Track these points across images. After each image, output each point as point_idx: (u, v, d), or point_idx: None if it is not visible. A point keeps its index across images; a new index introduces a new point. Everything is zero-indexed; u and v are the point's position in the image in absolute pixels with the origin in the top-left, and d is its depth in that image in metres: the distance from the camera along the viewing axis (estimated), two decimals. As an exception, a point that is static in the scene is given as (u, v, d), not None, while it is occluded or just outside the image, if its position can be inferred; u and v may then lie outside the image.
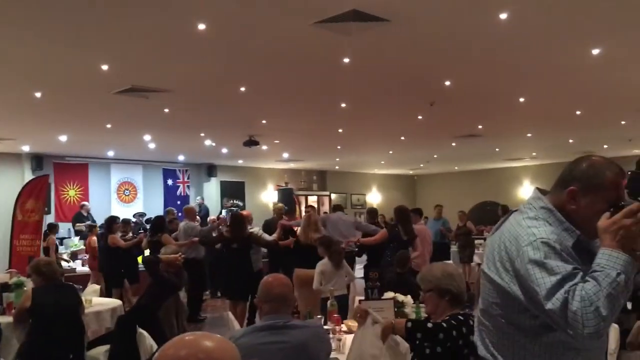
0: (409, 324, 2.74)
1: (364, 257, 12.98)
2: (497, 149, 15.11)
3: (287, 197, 16.19)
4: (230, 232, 7.94)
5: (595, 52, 6.31)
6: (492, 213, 17.47)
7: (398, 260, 6.21)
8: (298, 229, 8.23)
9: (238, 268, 7.64)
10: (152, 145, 12.69)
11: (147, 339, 4.07)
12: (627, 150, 15.39)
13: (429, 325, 2.76)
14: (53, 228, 10.83)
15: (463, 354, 2.68)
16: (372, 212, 10.64)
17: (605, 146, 14.57)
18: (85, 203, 13.64)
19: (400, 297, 4.04)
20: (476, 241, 12.92)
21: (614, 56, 6.58)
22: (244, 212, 9.25)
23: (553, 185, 1.93)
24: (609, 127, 11.56)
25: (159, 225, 9.18)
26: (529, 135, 12.74)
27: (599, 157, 1.88)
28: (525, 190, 19.07)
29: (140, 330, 4.11)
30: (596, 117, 10.47)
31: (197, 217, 13.08)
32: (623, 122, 11.02)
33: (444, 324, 2.73)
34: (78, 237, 12.31)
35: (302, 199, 18.04)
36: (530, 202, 1.94)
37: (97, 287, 7.12)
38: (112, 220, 9.74)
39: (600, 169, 1.82)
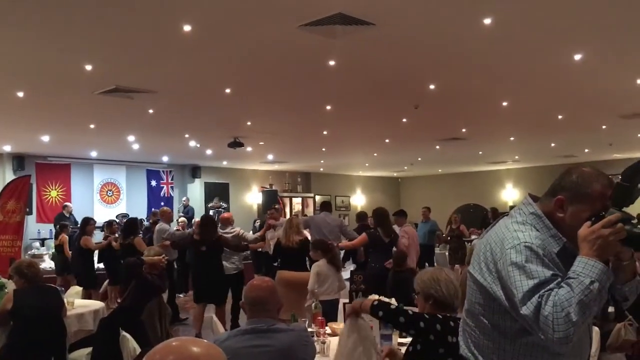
0: (375, 302, 2.89)
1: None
2: (480, 152, 15.24)
3: (272, 199, 16.18)
4: (199, 235, 7.83)
5: (577, 57, 6.40)
6: (475, 215, 17.65)
7: (395, 258, 6.26)
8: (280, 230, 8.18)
9: (207, 271, 7.54)
10: (136, 146, 12.61)
11: (130, 342, 4.04)
12: (608, 155, 15.59)
13: (392, 307, 2.85)
14: (65, 227, 10.58)
15: (438, 352, 2.70)
16: (362, 215, 10.54)
17: (586, 150, 14.75)
18: (68, 204, 13.51)
19: (384, 299, 4.05)
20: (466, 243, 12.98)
21: (596, 62, 6.67)
22: (225, 214, 9.16)
23: (544, 193, 1.97)
24: (590, 131, 11.72)
25: (131, 228, 9.06)
26: (511, 138, 12.87)
27: (589, 169, 1.92)
28: (508, 192, 19.25)
29: (124, 333, 4.08)
30: (578, 122, 10.61)
31: (184, 218, 13.06)
32: (604, 127, 11.17)
33: (410, 312, 2.80)
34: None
35: (287, 201, 18.03)
36: (521, 207, 1.98)
37: (79, 289, 7.09)
38: (86, 222, 9.70)
39: (588, 180, 1.86)
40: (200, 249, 7.64)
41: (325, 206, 9.29)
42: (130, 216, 14.25)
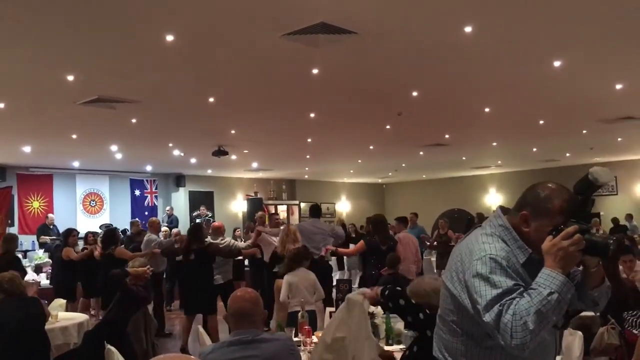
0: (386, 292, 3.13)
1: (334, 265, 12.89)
2: (463, 158, 15.35)
3: (257, 207, 16.13)
4: (187, 243, 7.68)
5: (557, 64, 6.49)
6: (460, 220, 17.75)
7: (389, 260, 6.27)
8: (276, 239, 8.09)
9: (196, 280, 7.38)
10: (119, 156, 12.53)
11: (115, 355, 4.00)
12: (589, 158, 15.80)
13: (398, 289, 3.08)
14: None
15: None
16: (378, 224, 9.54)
17: (567, 154, 14.93)
18: (51, 215, 13.37)
19: (371, 308, 4.07)
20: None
21: (575, 68, 6.77)
22: (216, 223, 9.07)
23: (513, 206, 2.06)
24: (570, 136, 11.87)
25: (111, 238, 8.81)
26: (494, 144, 12.99)
27: (553, 184, 2.01)
28: (492, 197, 19.40)
29: (109, 346, 4.05)
30: (558, 127, 10.73)
31: (166, 228, 12.96)
32: (584, 132, 11.32)
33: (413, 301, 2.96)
34: (42, 250, 12.04)
35: (272, 208, 17.99)
36: (491, 220, 2.07)
37: (63, 301, 7.00)
38: (68, 233, 9.58)
39: (550, 196, 1.95)
40: (189, 258, 7.49)
41: (315, 211, 8.82)
42: (113, 226, 14.18)
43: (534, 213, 1.95)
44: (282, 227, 8.37)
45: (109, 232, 9.32)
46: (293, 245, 6.98)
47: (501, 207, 2.11)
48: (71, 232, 9.63)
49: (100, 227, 13.59)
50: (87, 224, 14.11)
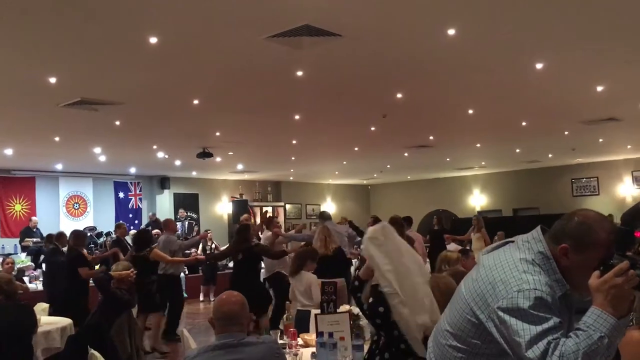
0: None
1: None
2: (448, 159, 15.44)
3: (242, 209, 16.09)
4: (235, 244, 7.56)
5: (539, 66, 6.56)
6: (445, 221, 17.83)
7: None
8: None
9: (243, 281, 7.09)
10: (102, 158, 12.43)
11: None
12: (571, 159, 15.98)
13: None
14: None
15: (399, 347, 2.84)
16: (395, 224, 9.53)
17: (550, 155, 15.08)
18: (34, 217, 13.23)
19: (356, 310, 4.08)
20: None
21: (556, 70, 6.85)
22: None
23: (548, 234, 1.90)
24: (553, 137, 11.99)
25: (145, 239, 8.20)
26: (478, 145, 13.08)
27: (592, 213, 1.88)
28: (476, 198, 19.53)
29: (92, 350, 4.01)
30: (541, 128, 10.84)
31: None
32: (566, 133, 11.45)
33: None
34: (25, 254, 11.90)
35: (257, 210, 17.95)
36: (530, 242, 1.90)
37: (46, 305, 6.92)
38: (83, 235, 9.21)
39: (592, 228, 1.81)
40: (237, 258, 7.37)
41: (325, 216, 8.62)
42: (98, 229, 14.07)
43: (576, 246, 1.80)
44: (312, 229, 8.30)
45: (142, 233, 8.84)
46: (334, 245, 7.17)
47: (542, 229, 1.92)
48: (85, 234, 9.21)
49: (85, 229, 13.45)
50: (71, 226, 13.92)
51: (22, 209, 13.96)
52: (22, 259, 11.46)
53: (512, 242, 1.96)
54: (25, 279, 10.63)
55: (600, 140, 12.59)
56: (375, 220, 9.90)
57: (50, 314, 6.83)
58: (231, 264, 11.99)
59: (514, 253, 1.89)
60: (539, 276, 1.79)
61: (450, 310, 2.03)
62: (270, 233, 8.75)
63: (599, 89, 7.76)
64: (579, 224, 1.84)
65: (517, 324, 1.71)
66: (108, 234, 13.39)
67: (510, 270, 1.82)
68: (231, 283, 7.62)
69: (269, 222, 9.36)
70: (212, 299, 11.54)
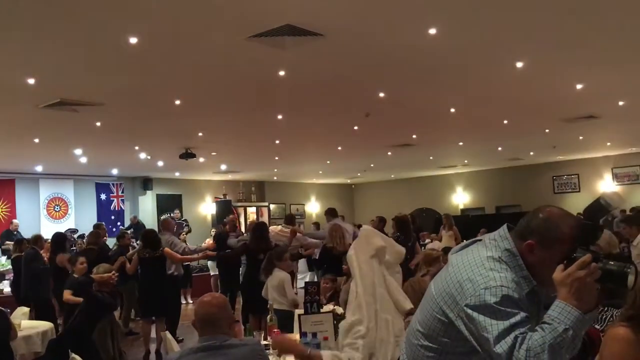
0: None
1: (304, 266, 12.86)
2: (431, 157, 15.52)
3: (226, 209, 16.03)
4: (253, 242, 7.39)
5: (519, 65, 6.61)
6: (428, 219, 17.96)
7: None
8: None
9: (258, 281, 6.79)
10: (83, 160, 12.29)
11: (80, 363, 3.93)
12: (552, 157, 16.16)
13: None
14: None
15: None
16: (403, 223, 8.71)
17: (531, 153, 15.22)
18: (15, 220, 13.06)
19: (339, 310, 4.08)
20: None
21: (537, 69, 6.91)
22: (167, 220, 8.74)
23: (514, 231, 1.93)
24: (534, 135, 12.10)
25: (158, 239, 7.84)
26: (460, 143, 13.16)
27: (556, 209, 1.91)
28: (459, 196, 19.66)
29: (73, 355, 3.97)
30: (522, 126, 10.94)
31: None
32: (547, 131, 11.56)
33: None
34: (5, 257, 11.73)
35: (241, 211, 17.90)
36: (497, 240, 1.93)
37: (27, 309, 6.80)
38: (63, 238, 9.04)
39: (556, 223, 1.85)
40: (258, 257, 7.11)
41: (332, 213, 8.54)
42: (80, 232, 13.89)
43: (541, 242, 1.84)
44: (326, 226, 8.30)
45: (151, 233, 8.25)
46: (349, 242, 7.08)
47: (508, 226, 1.95)
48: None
49: (66, 231, 13.28)
50: (52, 229, 13.77)
51: (1, 211, 13.77)
52: (3, 262, 11.30)
53: (480, 240, 1.98)
54: (6, 282, 10.49)
55: (581, 137, 12.74)
56: (380, 220, 9.93)
57: (31, 318, 6.74)
58: (209, 264, 12.03)
59: (481, 251, 1.91)
60: (506, 273, 1.81)
61: (421, 310, 2.04)
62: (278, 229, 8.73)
63: (579, 86, 7.85)
64: (543, 220, 1.87)
65: (485, 321, 1.73)
66: (82, 236, 13.08)
67: (477, 269, 1.84)
68: (245, 283, 7.44)
69: (290, 220, 9.30)
70: (190, 301, 11.49)
